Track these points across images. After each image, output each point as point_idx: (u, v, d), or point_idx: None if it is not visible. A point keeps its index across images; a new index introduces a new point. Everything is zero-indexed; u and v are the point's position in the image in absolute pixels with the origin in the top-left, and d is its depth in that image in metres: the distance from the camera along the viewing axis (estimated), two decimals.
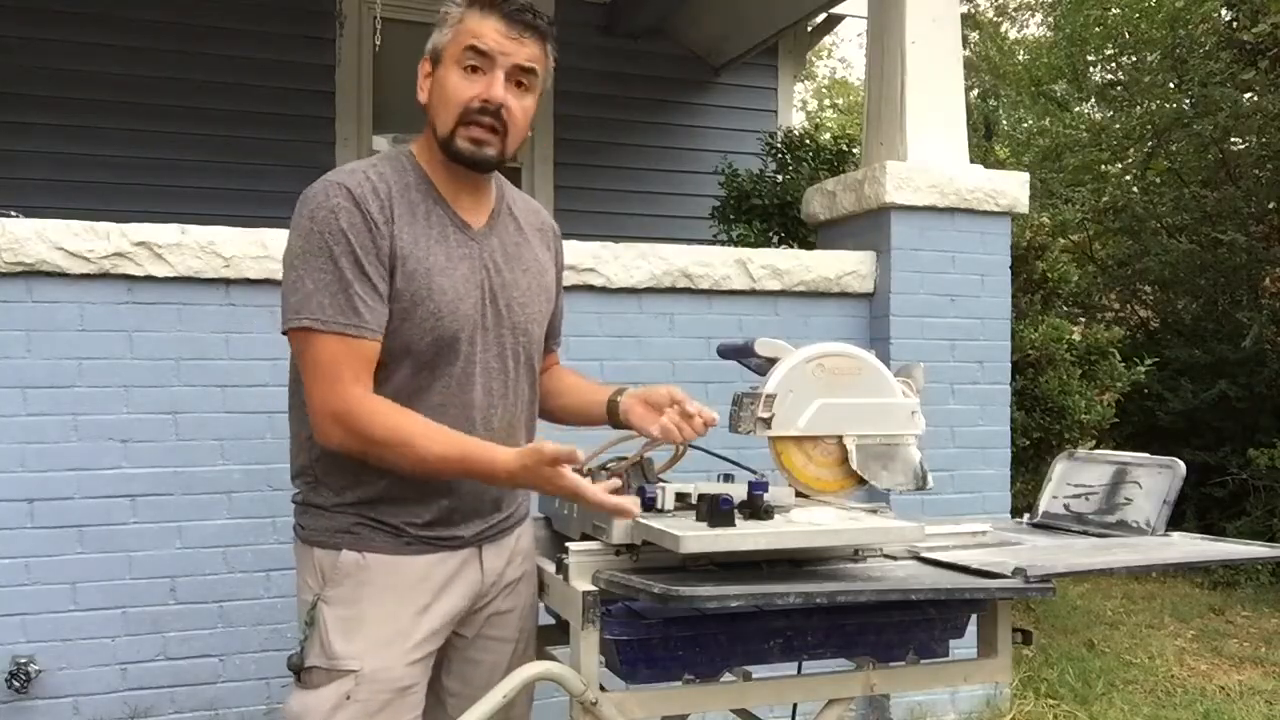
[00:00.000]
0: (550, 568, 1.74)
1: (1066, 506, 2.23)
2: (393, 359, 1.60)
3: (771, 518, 1.61)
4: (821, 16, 6.05)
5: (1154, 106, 7.79)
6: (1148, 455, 2.16)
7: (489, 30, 1.60)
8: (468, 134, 1.61)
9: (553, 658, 1.77)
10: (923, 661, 1.75)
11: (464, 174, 1.67)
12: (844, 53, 19.88)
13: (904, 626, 1.71)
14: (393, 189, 1.62)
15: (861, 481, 1.81)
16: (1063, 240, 5.90)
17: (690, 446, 1.80)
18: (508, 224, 1.76)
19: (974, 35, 12.60)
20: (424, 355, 1.61)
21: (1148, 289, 7.97)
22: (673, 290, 3.36)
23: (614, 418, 1.82)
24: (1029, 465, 4.47)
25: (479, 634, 1.76)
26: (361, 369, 1.55)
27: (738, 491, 1.63)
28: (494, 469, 1.53)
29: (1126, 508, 2.10)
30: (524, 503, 1.84)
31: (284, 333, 1.59)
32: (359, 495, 1.63)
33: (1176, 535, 2.04)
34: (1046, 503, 2.27)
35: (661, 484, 1.69)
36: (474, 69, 1.60)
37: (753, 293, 3.46)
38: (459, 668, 1.76)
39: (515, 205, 1.80)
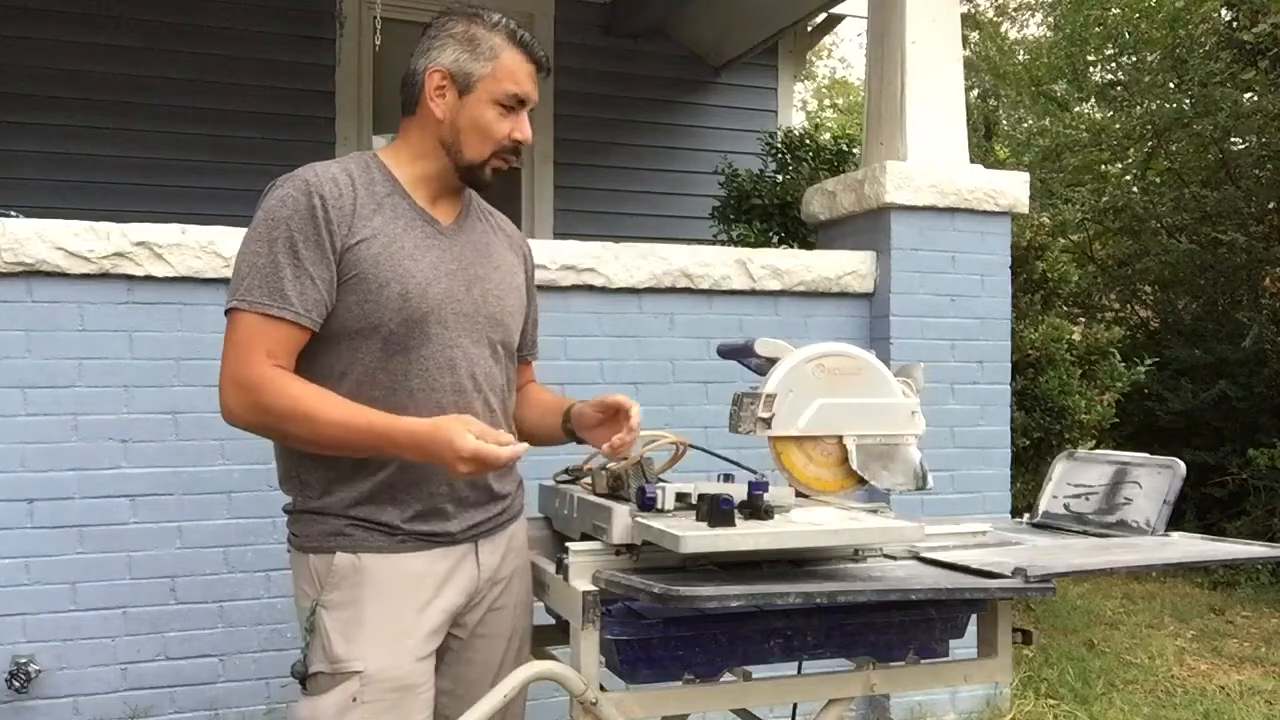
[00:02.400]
0: (550, 568, 1.74)
1: (1066, 506, 2.23)
2: (360, 337, 1.62)
3: (771, 518, 1.61)
4: (821, 16, 6.05)
5: (1154, 106, 7.79)
6: (1148, 455, 2.16)
7: (525, 75, 1.70)
8: (495, 165, 1.71)
9: (553, 658, 1.77)
10: (923, 661, 1.75)
11: (449, 183, 1.73)
12: (844, 53, 19.86)
13: (904, 626, 1.71)
14: (356, 181, 1.66)
15: (861, 481, 1.81)
16: (1063, 240, 5.90)
17: (690, 446, 1.80)
18: (476, 224, 1.81)
19: (974, 35, 12.58)
20: (395, 336, 1.62)
21: (1148, 289, 7.97)
22: (673, 290, 3.36)
23: (568, 426, 1.85)
24: (1029, 465, 4.46)
25: (473, 632, 1.75)
26: (276, 347, 1.57)
27: (738, 491, 1.62)
28: (399, 431, 1.53)
29: (1126, 508, 2.10)
30: (518, 498, 1.84)
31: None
32: (345, 496, 1.63)
33: (1176, 535, 2.04)
34: (1046, 503, 2.27)
35: (661, 484, 1.69)
36: (509, 108, 1.69)
37: (753, 293, 3.46)
38: (453, 668, 1.75)
39: (483, 208, 1.87)
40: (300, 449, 1.62)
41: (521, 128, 1.70)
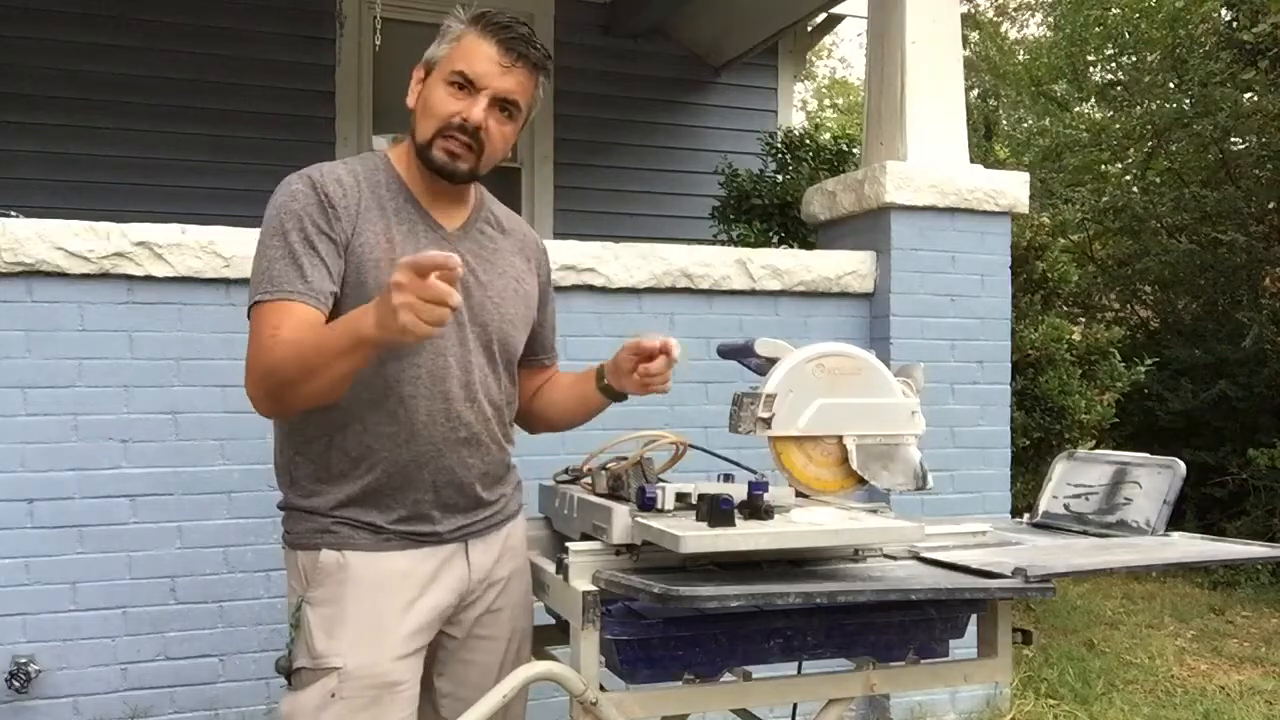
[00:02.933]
0: (550, 568, 1.74)
1: (1066, 506, 2.23)
2: None
3: (771, 518, 1.60)
4: (821, 16, 6.05)
5: (1154, 106, 7.80)
6: (1148, 455, 2.15)
7: (481, 56, 1.63)
8: (444, 146, 1.64)
9: (553, 658, 1.77)
10: (923, 661, 1.75)
11: (436, 180, 1.70)
12: (844, 53, 19.87)
13: (904, 626, 1.71)
14: (361, 183, 1.65)
15: (861, 481, 1.81)
16: (1063, 240, 5.90)
17: (690, 446, 1.80)
18: (485, 229, 1.78)
19: (974, 35, 12.58)
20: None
21: (1148, 289, 7.97)
22: (673, 290, 3.36)
23: (603, 384, 1.85)
24: (1029, 465, 4.46)
25: (470, 634, 1.75)
26: (284, 324, 1.53)
27: (738, 491, 1.62)
28: (352, 317, 1.42)
29: (1126, 508, 2.10)
30: (512, 499, 1.84)
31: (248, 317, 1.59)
32: (332, 497, 1.64)
33: (1176, 535, 2.04)
34: (1046, 503, 2.27)
35: (661, 484, 1.69)
36: (460, 87, 1.63)
37: (753, 293, 3.46)
38: (451, 669, 1.76)
39: (497, 214, 1.83)
40: (322, 401, 1.54)
41: (470, 110, 1.62)
